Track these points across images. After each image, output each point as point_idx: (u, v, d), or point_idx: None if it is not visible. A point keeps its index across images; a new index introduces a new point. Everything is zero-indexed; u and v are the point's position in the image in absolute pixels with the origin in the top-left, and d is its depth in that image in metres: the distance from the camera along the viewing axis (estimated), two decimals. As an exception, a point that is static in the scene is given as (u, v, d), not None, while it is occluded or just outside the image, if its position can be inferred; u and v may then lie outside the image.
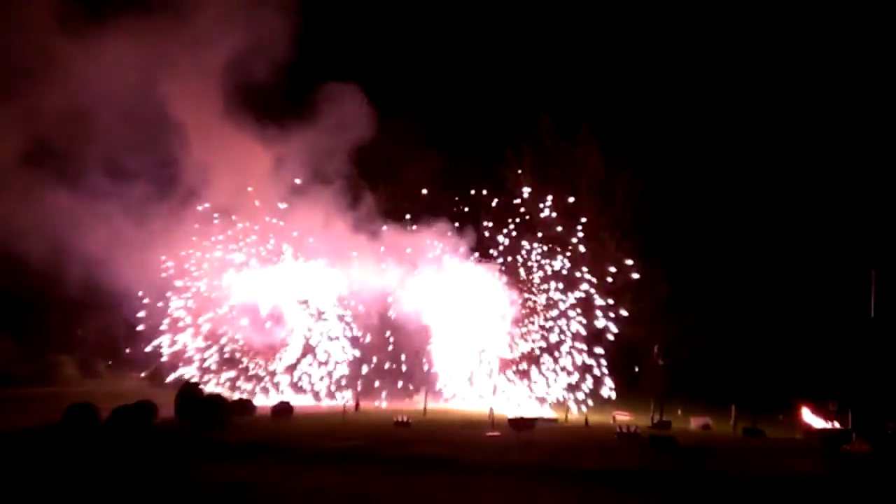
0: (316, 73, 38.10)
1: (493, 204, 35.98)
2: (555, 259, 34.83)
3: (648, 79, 43.80)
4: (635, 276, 36.82)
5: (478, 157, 40.60)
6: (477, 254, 34.83)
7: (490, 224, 35.53)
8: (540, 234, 35.33)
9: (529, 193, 36.58)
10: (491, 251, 35.17)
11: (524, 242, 35.23)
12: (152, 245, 30.86)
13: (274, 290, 33.72)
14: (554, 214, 35.94)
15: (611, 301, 34.87)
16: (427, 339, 34.08)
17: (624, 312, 34.73)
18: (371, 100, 38.38)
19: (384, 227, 33.71)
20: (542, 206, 36.13)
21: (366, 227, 33.30)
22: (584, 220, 36.53)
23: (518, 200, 36.28)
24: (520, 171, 39.95)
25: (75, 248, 27.24)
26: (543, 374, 33.88)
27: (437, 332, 33.91)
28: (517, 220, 35.50)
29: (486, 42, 47.68)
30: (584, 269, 34.81)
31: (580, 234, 35.68)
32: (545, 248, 35.07)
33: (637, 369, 34.95)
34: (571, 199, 37.54)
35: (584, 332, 34.10)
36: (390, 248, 33.25)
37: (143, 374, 35.57)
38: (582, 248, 35.53)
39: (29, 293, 31.35)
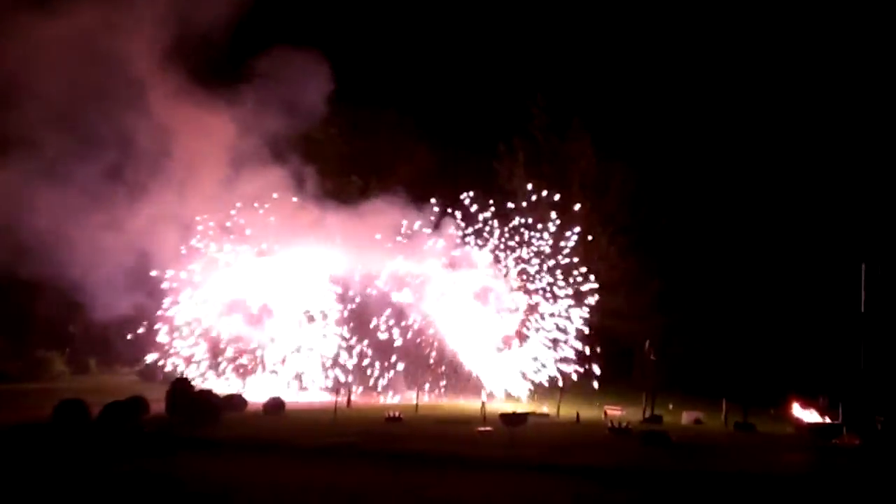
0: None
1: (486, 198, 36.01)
2: (547, 253, 34.94)
3: (641, 74, 43.91)
4: (627, 270, 37.03)
5: (470, 153, 40.66)
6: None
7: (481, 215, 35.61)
8: (531, 230, 35.38)
9: (522, 188, 36.61)
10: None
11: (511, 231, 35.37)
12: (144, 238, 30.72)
13: (261, 281, 33.70)
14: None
15: (602, 296, 35.01)
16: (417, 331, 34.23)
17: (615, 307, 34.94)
18: (363, 94, 38.58)
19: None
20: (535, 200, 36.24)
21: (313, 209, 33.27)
22: (576, 214, 36.68)
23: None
24: (512, 166, 40.09)
25: (63, 243, 27.17)
26: (533, 368, 33.99)
27: (427, 324, 34.05)
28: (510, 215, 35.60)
29: (478, 37, 47.59)
30: (576, 262, 34.95)
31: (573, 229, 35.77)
32: (537, 241, 35.19)
33: (629, 364, 34.95)
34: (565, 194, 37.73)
35: (575, 327, 34.23)
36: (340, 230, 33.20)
37: (134, 370, 35.56)
38: (573, 243, 35.61)
39: (18, 288, 31.18)
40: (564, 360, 34.04)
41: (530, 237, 35.36)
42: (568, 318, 34.43)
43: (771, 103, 41.97)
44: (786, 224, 39.46)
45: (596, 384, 33.76)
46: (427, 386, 34.22)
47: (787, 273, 38.25)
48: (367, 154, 39.04)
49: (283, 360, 33.83)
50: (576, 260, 35.18)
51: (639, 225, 40.39)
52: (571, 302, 34.53)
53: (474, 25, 47.86)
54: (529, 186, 36.66)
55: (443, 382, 34.70)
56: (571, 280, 34.80)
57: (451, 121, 43.66)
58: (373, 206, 33.62)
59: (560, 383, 33.15)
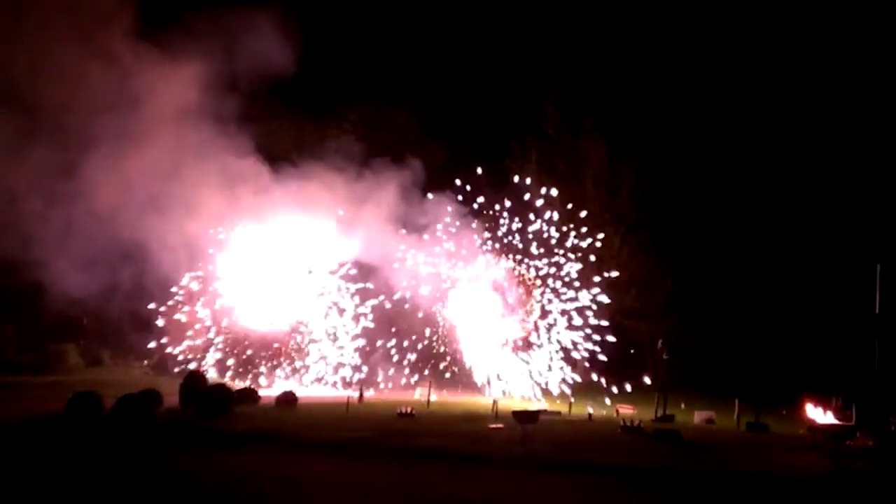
0: (320, 64, 38.34)
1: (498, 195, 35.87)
2: (559, 251, 34.88)
3: (654, 73, 43.74)
4: (639, 269, 36.98)
5: (482, 151, 40.65)
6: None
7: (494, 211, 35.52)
8: (545, 227, 35.28)
9: (534, 187, 36.48)
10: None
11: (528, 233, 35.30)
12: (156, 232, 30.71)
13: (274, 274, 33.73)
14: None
15: (615, 294, 34.96)
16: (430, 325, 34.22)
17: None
18: (376, 92, 38.37)
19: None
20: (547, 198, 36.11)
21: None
22: (588, 213, 36.61)
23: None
24: (525, 164, 40.05)
25: (77, 236, 27.28)
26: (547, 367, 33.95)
27: (438, 318, 34.06)
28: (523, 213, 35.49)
29: (491, 35, 47.51)
30: (589, 261, 34.89)
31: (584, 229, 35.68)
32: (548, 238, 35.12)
33: (641, 363, 34.93)
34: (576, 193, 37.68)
35: (588, 326, 34.15)
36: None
37: (147, 362, 35.74)
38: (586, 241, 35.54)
39: (32, 281, 31.36)
40: (577, 358, 34.01)
41: (542, 234, 35.28)
42: (580, 316, 34.35)
43: (785, 102, 41.77)
44: (800, 223, 39.26)
45: (606, 382, 33.70)
46: (439, 382, 34.21)
47: (801, 273, 38.08)
48: (379, 148, 38.99)
49: (298, 354, 33.94)
50: (590, 258, 35.09)
51: (651, 224, 40.31)
52: (583, 300, 34.44)
53: (488, 23, 47.82)
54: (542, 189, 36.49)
55: (447, 376, 34.72)
56: (584, 278, 34.72)
57: (464, 118, 43.73)
58: (385, 199, 33.66)
59: (572, 381, 33.13)
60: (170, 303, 33.51)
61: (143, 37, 28.78)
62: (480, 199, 35.18)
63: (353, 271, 34.68)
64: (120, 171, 28.27)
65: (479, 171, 35.16)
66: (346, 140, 38.78)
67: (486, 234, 34.96)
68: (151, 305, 33.43)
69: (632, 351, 34.58)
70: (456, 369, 34.55)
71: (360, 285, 34.62)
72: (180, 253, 32.81)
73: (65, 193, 27.47)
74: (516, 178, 37.51)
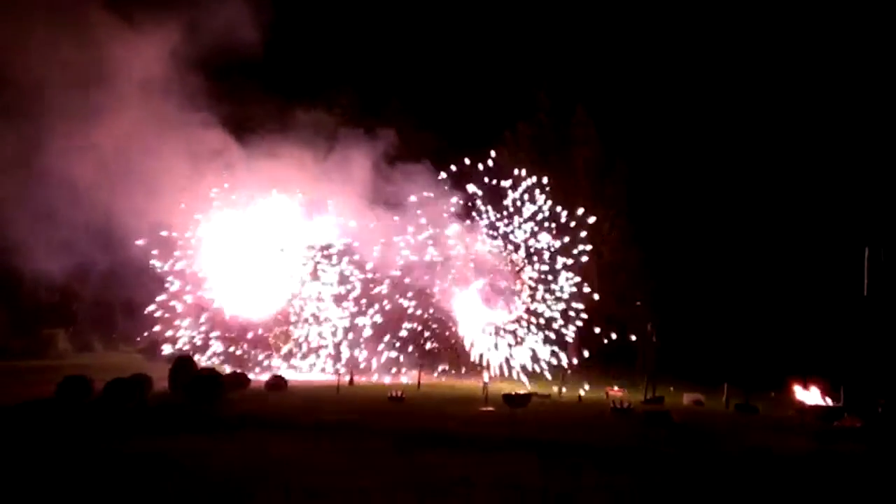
0: (306, 53, 38.07)
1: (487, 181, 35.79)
2: (549, 237, 34.92)
3: (645, 61, 43.74)
4: (629, 254, 37.12)
5: (474, 138, 40.59)
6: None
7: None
8: (534, 213, 35.31)
9: (526, 173, 36.47)
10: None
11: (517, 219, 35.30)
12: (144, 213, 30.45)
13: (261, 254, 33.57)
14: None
15: (605, 279, 35.09)
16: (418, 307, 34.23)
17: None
18: (368, 78, 38.19)
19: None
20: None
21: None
22: (579, 199, 36.64)
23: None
24: (517, 152, 40.03)
25: (67, 219, 27.06)
26: (535, 350, 34.09)
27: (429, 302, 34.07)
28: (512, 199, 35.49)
29: (482, 23, 47.42)
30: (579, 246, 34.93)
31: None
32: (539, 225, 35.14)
33: (631, 347, 35.06)
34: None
35: (577, 309, 34.27)
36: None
37: (137, 347, 35.63)
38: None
39: (22, 266, 31.22)
40: (566, 342, 34.14)
41: (532, 219, 35.29)
42: (570, 300, 34.43)
43: (775, 88, 41.86)
44: (789, 207, 39.40)
45: (596, 365, 33.87)
46: (429, 365, 34.26)
47: (790, 256, 38.25)
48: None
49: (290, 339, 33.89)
50: (580, 245, 35.12)
51: (641, 209, 40.37)
52: (574, 284, 34.52)
53: (478, 11, 47.67)
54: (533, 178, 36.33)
55: (443, 366, 34.78)
56: (574, 263, 34.79)
57: (456, 107, 43.64)
58: (364, 177, 33.57)
59: (565, 364, 33.27)
60: (162, 297, 33.26)
61: (114, 9, 28.21)
62: (471, 187, 35.20)
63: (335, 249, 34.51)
64: (99, 150, 27.84)
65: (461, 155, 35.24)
66: (335, 124, 38.46)
67: (471, 214, 34.97)
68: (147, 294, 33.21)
69: (622, 336, 34.66)
70: (448, 354, 34.64)
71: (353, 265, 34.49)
72: (163, 237, 32.67)
73: (41, 174, 27.07)
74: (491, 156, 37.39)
